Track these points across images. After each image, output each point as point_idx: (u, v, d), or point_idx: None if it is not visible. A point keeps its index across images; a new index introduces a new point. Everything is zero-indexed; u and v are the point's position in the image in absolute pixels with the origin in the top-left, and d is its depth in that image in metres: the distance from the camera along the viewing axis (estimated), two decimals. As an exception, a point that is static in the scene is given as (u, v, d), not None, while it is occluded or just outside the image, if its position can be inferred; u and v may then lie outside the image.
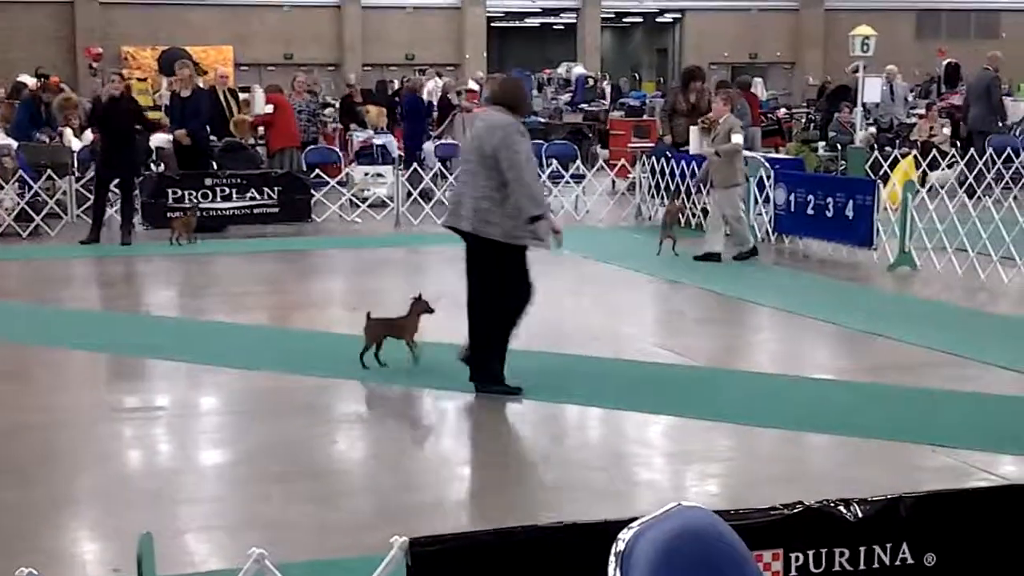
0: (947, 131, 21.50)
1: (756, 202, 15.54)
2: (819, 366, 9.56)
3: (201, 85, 19.21)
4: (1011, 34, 44.03)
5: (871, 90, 19.94)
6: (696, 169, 16.33)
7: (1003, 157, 19.71)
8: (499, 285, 8.23)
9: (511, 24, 48.88)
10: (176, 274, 13.89)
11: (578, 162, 19.28)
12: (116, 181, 15.76)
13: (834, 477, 6.75)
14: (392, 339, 8.85)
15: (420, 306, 8.94)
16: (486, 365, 8.17)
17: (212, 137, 18.11)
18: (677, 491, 6.44)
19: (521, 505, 6.18)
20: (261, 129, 19.05)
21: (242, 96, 21.48)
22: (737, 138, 13.91)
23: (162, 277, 13.82)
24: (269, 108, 18.60)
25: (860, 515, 3.55)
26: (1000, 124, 21.34)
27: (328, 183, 18.18)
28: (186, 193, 16.37)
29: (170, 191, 16.41)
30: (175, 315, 11.79)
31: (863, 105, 19.71)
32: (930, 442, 7.07)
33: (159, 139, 18.84)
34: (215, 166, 17.53)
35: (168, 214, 16.07)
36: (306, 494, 6.36)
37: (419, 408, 8.30)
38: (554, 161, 19.22)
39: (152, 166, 18.49)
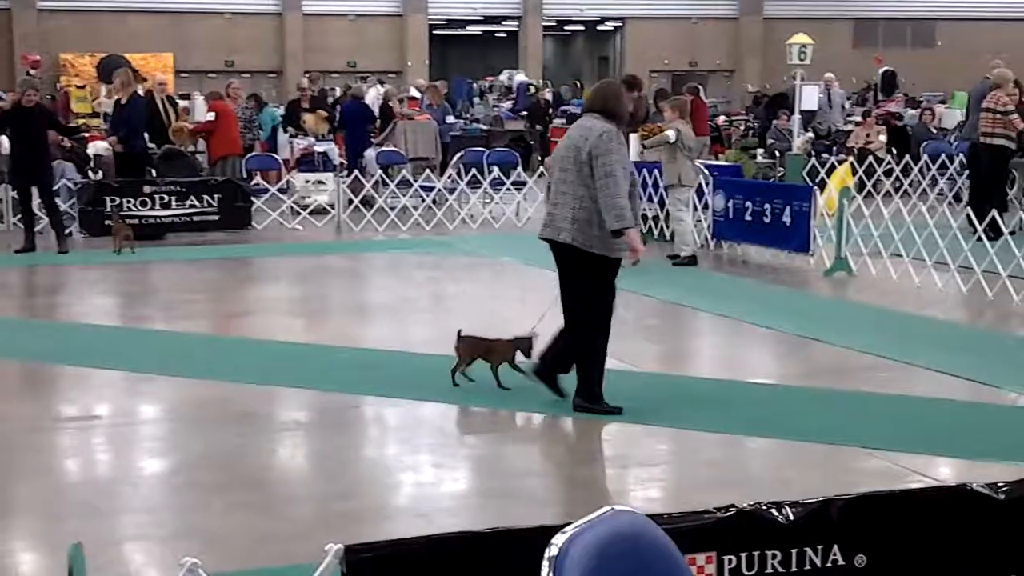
0: (883, 138, 21.75)
1: (695, 209, 15.65)
2: (757, 370, 9.65)
3: (140, 92, 19.05)
4: (946, 43, 44.66)
5: (808, 98, 20.16)
6: (635, 176, 16.39)
7: (938, 163, 20.03)
8: (602, 298, 7.84)
9: (453, 32, 48.88)
10: (113, 282, 13.76)
11: (519, 169, 19.31)
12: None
13: (771, 480, 6.82)
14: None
15: (523, 343, 8.33)
16: (590, 386, 7.81)
17: (151, 145, 17.98)
18: (616, 496, 6.48)
19: (460, 511, 6.18)
20: (202, 137, 18.93)
21: (182, 103, 21.36)
22: (670, 133, 14.08)
23: (99, 285, 13.68)
24: (211, 116, 18.50)
25: (792, 517, 3.59)
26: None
27: (269, 190, 18.11)
28: (124, 201, 16.24)
29: (108, 199, 16.27)
30: (112, 323, 11.68)
31: (801, 112, 19.91)
32: (864, 445, 7.15)
33: (98, 146, 18.69)
34: (154, 174, 17.40)
35: (106, 222, 15.92)
36: (244, 503, 6.32)
37: (361, 415, 8.26)
38: (495, 168, 19.25)
39: (91, 174, 18.32)
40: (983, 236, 12.78)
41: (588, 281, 7.79)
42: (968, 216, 14.03)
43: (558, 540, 2.45)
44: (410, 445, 7.46)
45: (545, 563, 2.43)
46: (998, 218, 12.87)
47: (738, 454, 7.32)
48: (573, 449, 7.56)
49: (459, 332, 8.44)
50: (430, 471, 6.95)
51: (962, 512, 3.85)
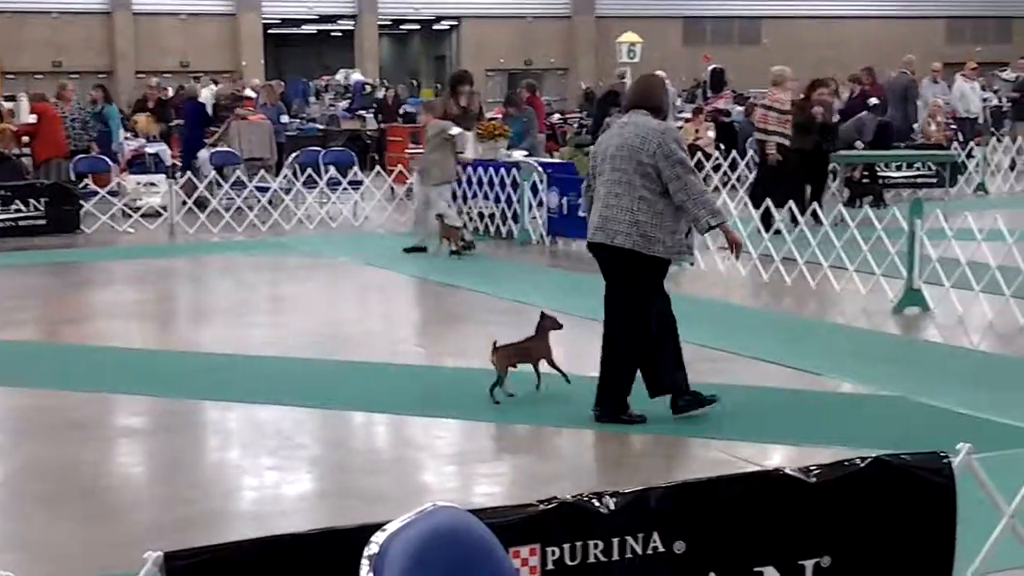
0: (712, 134, 22.28)
1: (531, 206, 15.84)
2: (594, 365, 9.79)
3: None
4: (771, 41, 45.88)
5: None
6: (472, 173, 16.55)
7: None
8: (653, 303, 7.55)
9: (288, 31, 48.38)
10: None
11: (356, 168, 19.27)
12: None
13: (608, 472, 6.98)
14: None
15: (548, 323, 8.15)
16: (620, 397, 7.58)
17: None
18: (454, 493, 6.55)
19: (297, 514, 6.19)
20: (26, 139, 18.44)
21: (7, 105, 20.77)
22: (454, 129, 14.67)
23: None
24: (32, 118, 18.04)
25: (612, 507, 3.70)
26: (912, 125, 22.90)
27: (98, 193, 17.73)
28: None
29: (-71, 205, 15.78)
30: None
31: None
32: (704, 435, 7.36)
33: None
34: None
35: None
36: (73, 513, 6.23)
37: (198, 420, 8.18)
38: (332, 168, 19.17)
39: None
40: (762, 228, 13.65)
41: (642, 285, 7.50)
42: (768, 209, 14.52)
43: (378, 538, 2.49)
44: (249, 449, 7.42)
45: (365, 561, 2.47)
46: (774, 211, 13.91)
47: (578, 447, 7.46)
48: (410, 448, 7.60)
49: (494, 344, 8.01)
50: (268, 475, 6.93)
51: (776, 496, 4.02)
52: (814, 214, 13.33)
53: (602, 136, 8.00)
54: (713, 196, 7.53)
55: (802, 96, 16.79)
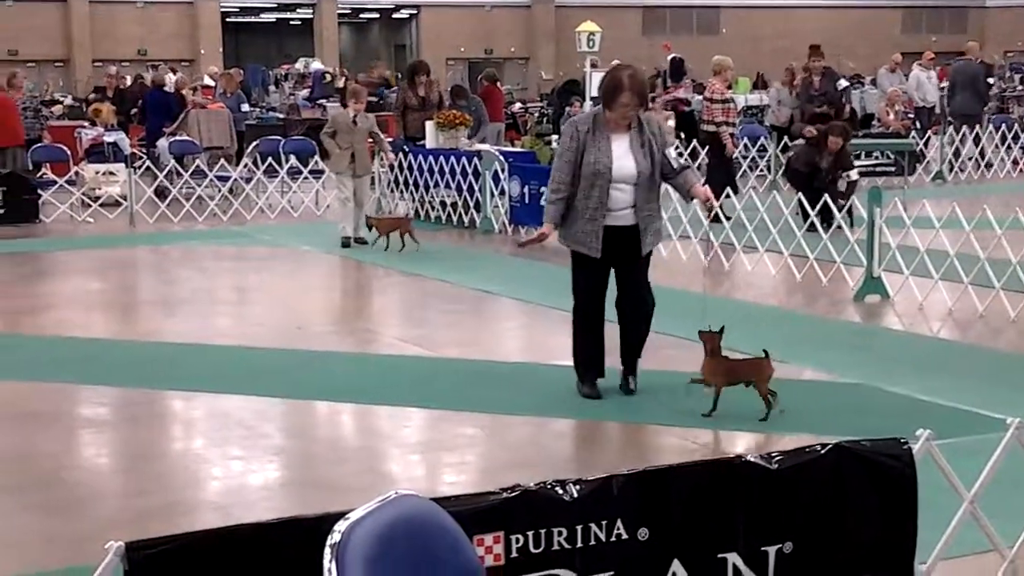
0: (671, 123, 22.31)
1: (492, 195, 15.84)
2: (558, 353, 9.81)
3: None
4: (730, 30, 46.08)
5: (599, 84, 20.53)
6: (433, 163, 16.55)
7: (757, 146, 20.99)
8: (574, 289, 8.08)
9: (247, 19, 48.14)
10: None
11: (316, 158, 19.19)
12: None
13: (573, 460, 7.01)
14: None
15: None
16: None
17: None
18: (419, 482, 6.56)
19: (262, 503, 6.18)
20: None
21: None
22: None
23: None
24: (-13, 107, 17.91)
25: (576, 495, 3.72)
26: (983, 109, 23.33)
27: (56, 182, 17.59)
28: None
29: None
30: None
31: (592, 99, 20.28)
32: (663, 423, 7.40)
33: None
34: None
35: None
36: (34, 504, 6.19)
37: (161, 410, 8.14)
38: (292, 157, 19.11)
39: None
40: (722, 216, 13.59)
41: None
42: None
43: (340, 527, 2.49)
44: (212, 439, 7.40)
45: (327, 550, 2.48)
46: (713, 200, 13.65)
47: (542, 435, 7.47)
48: (377, 437, 7.60)
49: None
50: (232, 465, 6.91)
51: (738, 482, 4.05)
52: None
53: None
54: (552, 198, 7.78)
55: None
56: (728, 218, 13.43)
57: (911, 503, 4.26)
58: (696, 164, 19.39)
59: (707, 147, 17.19)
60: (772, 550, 4.06)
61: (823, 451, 4.16)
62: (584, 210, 7.65)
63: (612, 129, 7.68)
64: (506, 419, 7.67)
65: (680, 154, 7.99)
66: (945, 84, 25.18)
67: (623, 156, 7.64)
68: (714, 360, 7.46)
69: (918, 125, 23.48)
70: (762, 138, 21.53)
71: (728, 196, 14.59)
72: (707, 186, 7.95)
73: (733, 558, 4.00)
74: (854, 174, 15.11)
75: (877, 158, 20.88)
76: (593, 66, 18.22)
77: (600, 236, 7.67)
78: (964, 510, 4.56)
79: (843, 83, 21.78)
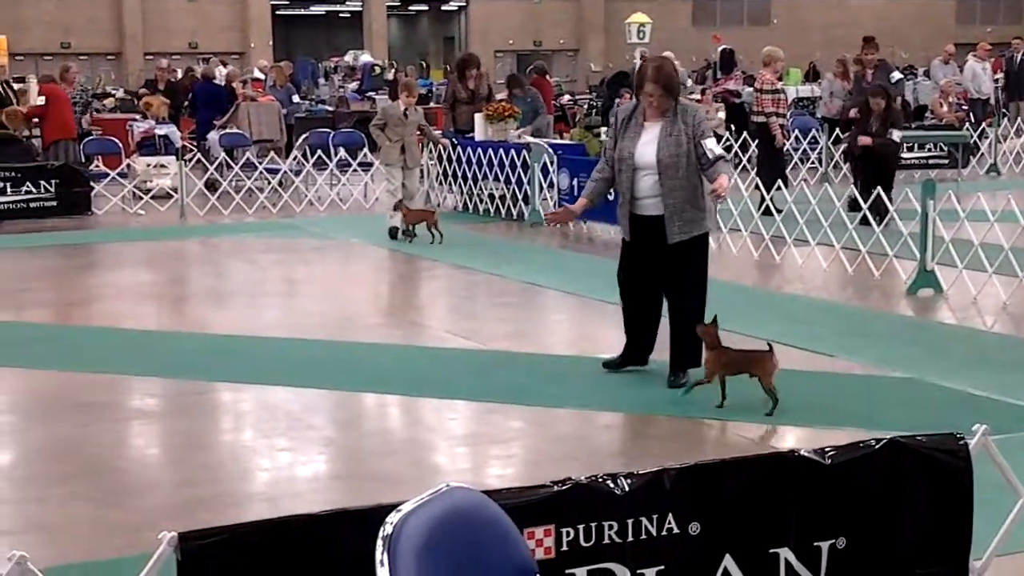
0: (722, 115, 22.20)
1: (541, 188, 15.81)
2: (606, 347, 9.78)
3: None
4: (781, 21, 45.76)
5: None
6: (482, 155, 16.55)
7: (808, 138, 20.93)
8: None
9: (296, 12, 48.36)
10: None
11: (365, 150, 19.24)
12: None
13: (621, 453, 6.97)
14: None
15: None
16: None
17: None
18: (467, 474, 6.53)
19: (310, 495, 6.19)
20: (35, 121, 18.46)
21: (18, 87, 20.76)
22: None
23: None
24: (41, 100, 18.04)
25: (627, 488, 3.69)
26: None
27: (109, 175, 17.75)
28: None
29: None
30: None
31: (642, 91, 20.21)
32: (712, 417, 7.34)
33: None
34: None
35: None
36: (86, 494, 6.23)
37: (210, 402, 8.18)
38: (341, 150, 19.16)
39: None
40: (772, 209, 13.57)
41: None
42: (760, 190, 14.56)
43: (392, 519, 2.49)
44: (260, 430, 7.42)
45: (380, 542, 2.47)
46: (764, 192, 13.94)
47: (589, 428, 7.44)
48: (425, 430, 7.60)
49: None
50: (280, 456, 6.92)
51: (791, 477, 4.00)
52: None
53: None
54: (594, 176, 8.13)
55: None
56: (779, 211, 13.33)
57: (967, 499, 4.20)
58: (746, 156, 19.35)
59: (757, 139, 17.08)
60: (825, 545, 4.02)
61: (877, 446, 4.10)
62: (620, 195, 8.00)
63: (648, 118, 7.85)
64: (554, 412, 7.65)
65: (724, 148, 8.01)
66: (1000, 76, 24.88)
67: (648, 144, 7.80)
68: (714, 352, 7.42)
69: (972, 117, 23.20)
70: (813, 130, 21.34)
71: (779, 188, 14.57)
72: (725, 177, 7.75)
73: (785, 553, 3.96)
74: (896, 134, 15.04)
75: (930, 150, 20.67)
76: (642, 58, 18.10)
77: (627, 219, 7.92)
78: (1021, 506, 4.49)
79: (896, 76, 21.54)
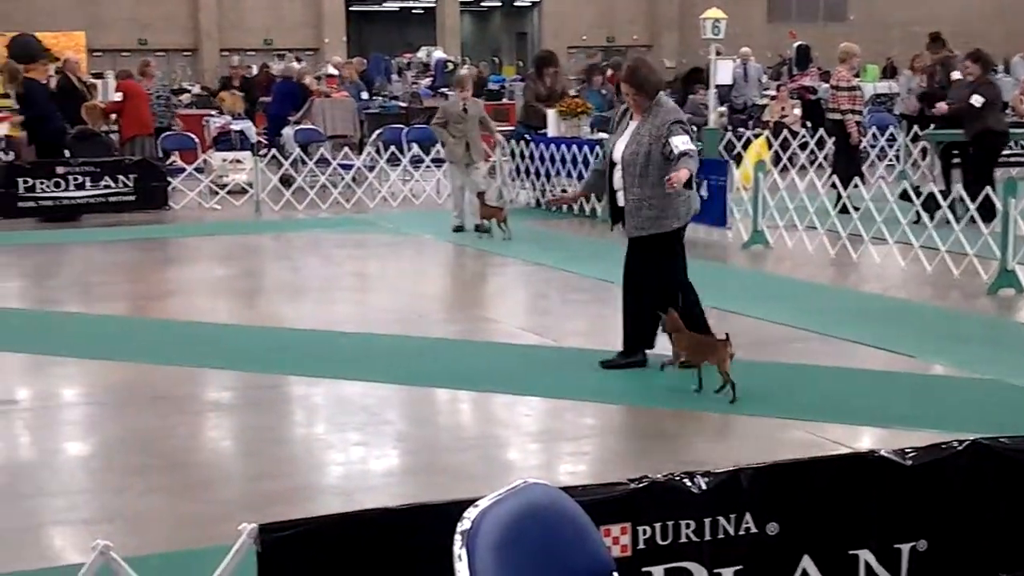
0: (798, 112, 22.00)
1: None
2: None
3: (53, 73, 18.85)
4: (858, 17, 45.20)
5: (723, 72, 20.30)
6: (555, 151, 16.53)
7: (886, 135, 20.61)
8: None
9: (370, 8, 48.60)
10: (27, 265, 13.58)
11: (438, 146, 19.26)
12: None
13: (695, 451, 6.91)
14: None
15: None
16: None
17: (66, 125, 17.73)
18: (539, 471, 6.52)
19: (384, 489, 6.21)
20: (113, 116, 18.71)
21: (93, 83, 21.08)
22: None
23: (12, 268, 13.48)
24: (118, 96, 18.29)
25: (704, 487, 3.65)
26: None
27: (185, 169, 17.94)
28: (38, 182, 16.06)
29: (20, 180, 16.06)
30: (26, 307, 11.51)
31: (716, 87, 20.05)
32: (789, 416, 7.26)
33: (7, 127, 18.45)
34: (68, 154, 17.16)
35: (19, 203, 15.80)
36: (163, 485, 6.30)
37: (283, 395, 8.23)
38: (415, 145, 19.21)
39: (1, 155, 18.07)
40: (849, 207, 13.25)
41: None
42: (843, 188, 14.30)
43: (471, 514, 2.48)
44: (334, 424, 7.46)
45: (458, 537, 2.46)
46: (841, 190, 13.61)
47: (660, 426, 7.39)
48: (498, 425, 7.59)
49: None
50: (354, 450, 6.95)
51: (871, 478, 3.94)
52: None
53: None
54: (591, 167, 8.79)
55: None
56: (856, 209, 13.18)
57: (1051, 503, 4.11)
58: (823, 153, 19.14)
59: (833, 136, 16.88)
60: (906, 548, 3.96)
61: (960, 447, 4.03)
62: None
63: (634, 116, 8.24)
64: (627, 409, 7.60)
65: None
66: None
67: (622, 140, 8.18)
68: (680, 336, 7.74)
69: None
70: (891, 127, 21.06)
71: (856, 186, 14.39)
72: (682, 172, 7.69)
73: (865, 555, 3.90)
74: (977, 99, 14.74)
75: (1011, 148, 20.28)
76: (718, 54, 17.97)
77: (610, 208, 8.45)
78: (1108, 511, 4.39)
79: (956, 75, 21.20)
